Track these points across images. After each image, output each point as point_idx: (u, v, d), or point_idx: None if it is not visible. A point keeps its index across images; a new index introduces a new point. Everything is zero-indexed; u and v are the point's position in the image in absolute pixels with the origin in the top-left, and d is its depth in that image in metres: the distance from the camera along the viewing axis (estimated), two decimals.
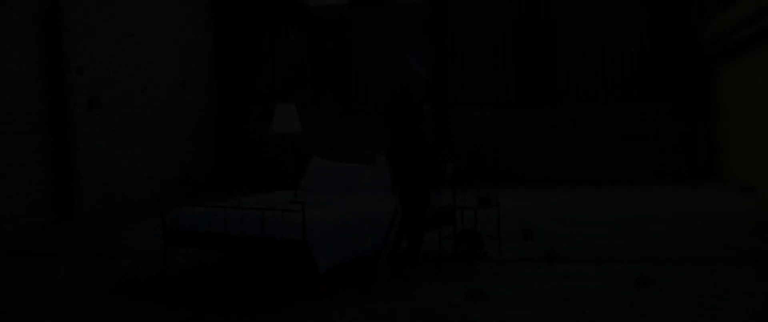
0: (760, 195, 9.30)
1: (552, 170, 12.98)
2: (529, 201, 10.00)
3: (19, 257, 7.10)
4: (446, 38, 13.34)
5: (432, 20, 13.38)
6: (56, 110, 9.96)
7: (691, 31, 12.05)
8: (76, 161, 10.21)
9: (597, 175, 12.77)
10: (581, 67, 12.84)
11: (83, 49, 10.56)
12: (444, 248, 6.37)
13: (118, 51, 11.44)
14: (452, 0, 13.33)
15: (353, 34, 13.86)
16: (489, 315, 4.21)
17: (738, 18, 8.88)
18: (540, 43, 12.98)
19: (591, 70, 12.81)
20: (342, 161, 6.96)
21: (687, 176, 12.37)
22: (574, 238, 6.82)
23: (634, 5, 12.52)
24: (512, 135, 13.16)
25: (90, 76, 10.57)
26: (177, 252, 6.62)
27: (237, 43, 14.63)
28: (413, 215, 5.33)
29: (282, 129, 8.54)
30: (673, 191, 10.49)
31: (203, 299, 4.93)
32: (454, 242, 6.10)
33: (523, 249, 6.28)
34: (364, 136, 13.75)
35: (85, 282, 5.62)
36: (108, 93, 11.08)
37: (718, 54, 11.02)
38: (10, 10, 9.32)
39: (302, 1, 14.16)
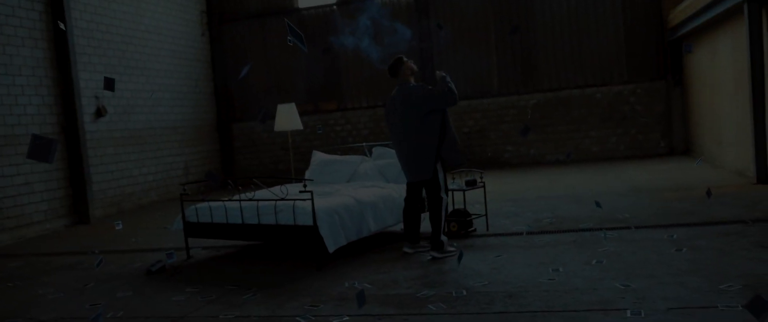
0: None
1: (536, 153, 13.71)
2: (514, 182, 10.72)
3: (46, 257, 7.69)
4: (430, 31, 14.02)
5: (416, 14, 14.04)
6: (69, 121, 10.57)
7: (664, 16, 12.77)
8: (88, 167, 10.83)
9: (580, 155, 13.50)
10: (560, 54, 13.56)
11: (88, 61, 11.17)
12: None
13: (121, 60, 12.06)
14: None
15: (341, 32, 14.52)
16: (476, 278, 4.91)
17: (691, 10, 9.76)
18: (520, 33, 13.67)
19: (569, 56, 13.53)
20: (337, 154, 7.57)
21: (664, 153, 13.13)
22: (554, 212, 7.55)
23: None
24: (496, 122, 13.88)
25: (95, 86, 11.18)
26: (195, 244, 7.26)
27: (231, 46, 15.25)
28: (432, 203, 5.90)
29: (284, 127, 9.22)
30: (645, 168, 11.25)
31: (226, 279, 5.60)
32: (446, 222, 6.80)
33: (506, 225, 7.00)
34: (356, 131, 14.45)
35: (116, 275, 6.25)
36: (113, 102, 11.69)
37: (681, 39, 11.83)
38: (18, 27, 9.93)
39: (292, 3, 14.81)
